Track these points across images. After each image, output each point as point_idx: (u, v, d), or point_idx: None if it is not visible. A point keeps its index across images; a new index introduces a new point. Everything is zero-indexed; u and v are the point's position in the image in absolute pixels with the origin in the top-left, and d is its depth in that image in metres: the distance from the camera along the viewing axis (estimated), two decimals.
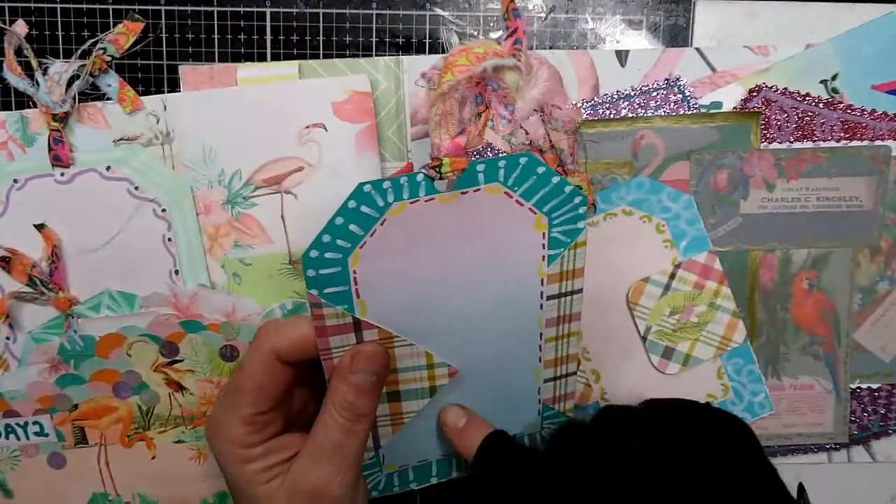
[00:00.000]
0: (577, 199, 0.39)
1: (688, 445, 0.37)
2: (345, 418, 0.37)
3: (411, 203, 0.36)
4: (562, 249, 0.40)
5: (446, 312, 0.40)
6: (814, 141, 0.49)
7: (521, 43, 0.38)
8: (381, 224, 0.36)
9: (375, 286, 0.38)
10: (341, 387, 0.37)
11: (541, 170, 0.37)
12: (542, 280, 0.41)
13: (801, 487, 0.40)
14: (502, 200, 0.38)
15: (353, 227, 0.36)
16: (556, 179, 0.38)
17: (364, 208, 0.36)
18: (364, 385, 0.37)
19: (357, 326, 0.38)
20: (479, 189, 0.37)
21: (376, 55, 0.49)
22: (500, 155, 0.37)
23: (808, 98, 0.49)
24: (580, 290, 0.42)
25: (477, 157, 0.48)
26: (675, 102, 0.49)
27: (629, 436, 0.38)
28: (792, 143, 0.49)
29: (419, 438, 0.44)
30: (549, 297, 0.41)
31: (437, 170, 0.35)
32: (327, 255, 0.36)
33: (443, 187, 0.37)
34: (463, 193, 0.37)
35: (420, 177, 0.36)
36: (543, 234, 0.40)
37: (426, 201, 0.37)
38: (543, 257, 0.40)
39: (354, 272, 0.37)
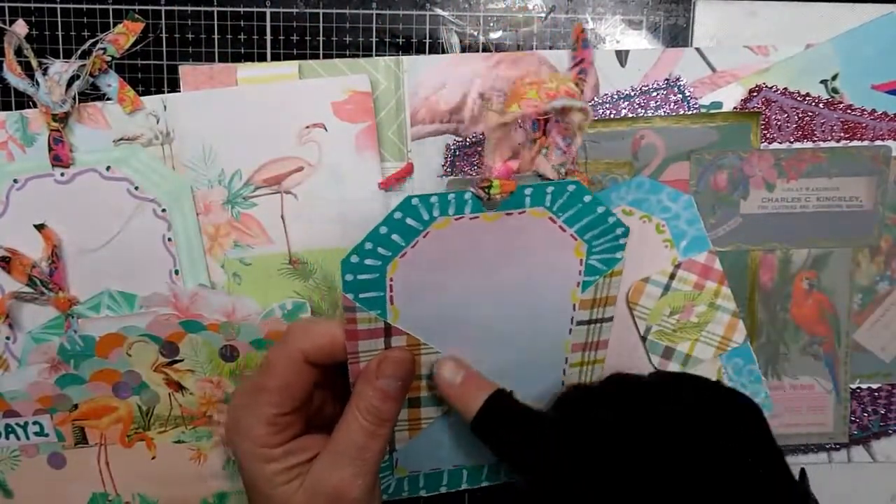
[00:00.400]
0: (620, 231, 0.39)
1: (692, 419, 0.37)
2: (369, 422, 0.37)
3: (456, 220, 0.37)
4: (597, 277, 0.41)
5: (475, 327, 0.40)
6: (814, 141, 0.49)
7: (585, 73, 0.39)
8: (424, 237, 0.37)
9: (410, 294, 0.38)
10: (367, 391, 0.37)
11: (587, 198, 0.38)
12: (575, 305, 0.41)
13: (802, 472, 0.39)
14: (545, 224, 0.38)
15: (395, 237, 0.36)
16: (601, 209, 0.38)
17: (409, 220, 0.36)
18: (390, 390, 0.37)
19: (387, 332, 0.38)
20: (523, 212, 0.38)
21: (376, 55, 0.49)
22: (549, 181, 0.38)
23: (808, 98, 0.49)
24: (611, 318, 0.43)
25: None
26: (675, 102, 0.49)
27: (634, 405, 0.38)
28: (792, 143, 0.49)
29: (434, 447, 0.44)
30: (578, 323, 0.42)
31: (487, 191, 0.36)
32: (367, 261, 0.36)
33: (489, 207, 0.37)
34: (508, 215, 0.37)
35: (468, 195, 0.36)
36: (581, 260, 0.40)
37: (471, 219, 0.37)
38: (578, 283, 0.41)
39: (391, 280, 0.38)
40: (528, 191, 0.37)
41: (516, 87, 0.36)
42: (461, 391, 0.40)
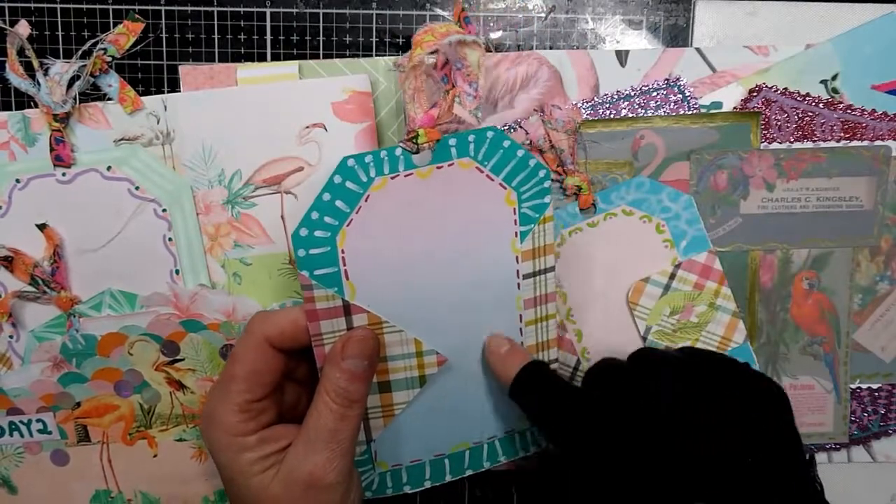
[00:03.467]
0: (542, 173, 0.41)
1: (718, 397, 0.37)
2: (338, 404, 0.37)
3: (392, 178, 0.38)
4: (532, 225, 0.42)
5: (431, 294, 0.41)
6: (814, 141, 0.49)
7: (469, 22, 0.42)
8: (366, 200, 0.38)
9: (363, 267, 0.39)
10: (334, 373, 0.38)
11: (507, 143, 0.39)
12: (517, 258, 0.42)
13: (811, 457, 0.40)
14: (474, 175, 0.40)
15: (339, 204, 0.38)
16: (520, 153, 0.40)
17: (349, 184, 0.38)
18: (356, 370, 0.38)
19: (347, 310, 0.39)
20: (452, 163, 0.39)
21: (376, 55, 0.49)
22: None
23: (808, 98, 0.49)
24: (552, 269, 0.43)
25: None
26: (675, 102, 0.49)
27: (662, 382, 0.38)
28: (792, 143, 0.49)
29: (411, 435, 0.44)
30: (525, 276, 0.43)
31: (414, 141, 0.38)
32: (317, 233, 0.38)
33: (420, 162, 0.38)
34: (438, 168, 0.39)
35: (398, 150, 0.38)
36: (514, 209, 0.41)
37: (405, 176, 0.39)
38: (516, 233, 0.42)
39: (343, 252, 0.39)
40: (451, 140, 0.38)
41: (415, 38, 0.38)
42: (505, 359, 0.42)
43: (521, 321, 0.43)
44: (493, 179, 0.40)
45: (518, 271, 0.42)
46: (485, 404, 0.45)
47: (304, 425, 0.38)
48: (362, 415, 0.39)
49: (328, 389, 0.37)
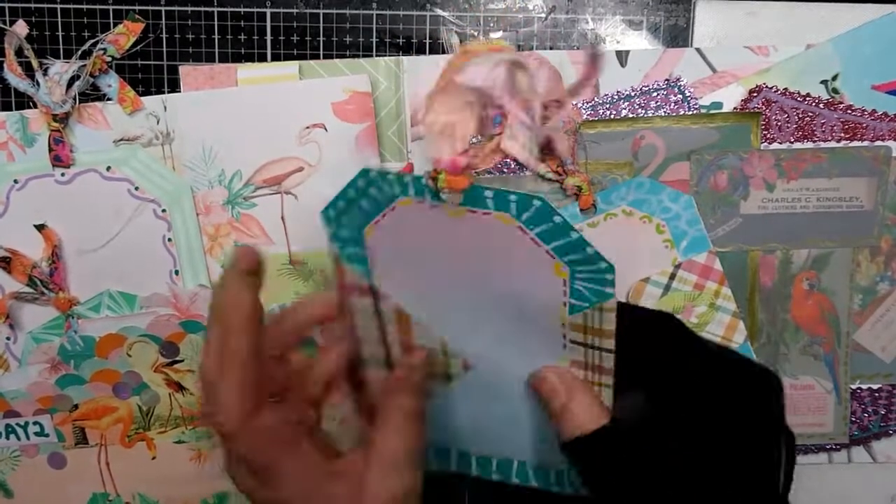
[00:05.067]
0: (604, 265, 0.35)
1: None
2: (403, 419, 0.36)
3: (418, 202, 0.35)
4: (586, 304, 0.36)
5: (456, 319, 0.39)
6: (814, 141, 0.49)
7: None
8: (392, 209, 0.35)
9: (389, 267, 0.37)
10: (403, 399, 0.37)
11: (557, 219, 0.34)
12: (564, 324, 0.38)
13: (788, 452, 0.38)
14: (514, 234, 0.35)
15: (364, 204, 0.35)
16: (574, 235, 0.34)
17: (372, 190, 0.35)
18: (418, 386, 0.37)
19: (374, 294, 0.37)
20: (489, 213, 0.35)
21: (376, 55, 0.49)
22: (511, 190, 0.35)
23: (808, 98, 0.49)
24: (611, 351, 0.38)
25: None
26: (676, 103, 0.49)
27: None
28: (792, 143, 0.49)
29: (438, 428, 0.42)
30: (573, 342, 0.38)
31: (435, 182, 0.33)
32: (344, 219, 0.36)
33: (449, 200, 0.34)
34: (472, 213, 0.35)
35: (408, 178, 0.34)
36: (565, 281, 0.36)
37: (432, 206, 0.35)
38: (565, 304, 0.37)
39: (369, 248, 0.36)
40: (488, 193, 0.34)
41: (449, 60, 0.34)
42: (568, 406, 0.37)
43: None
44: (539, 245, 0.35)
45: (565, 335, 0.38)
46: (515, 430, 0.42)
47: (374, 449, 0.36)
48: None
49: (391, 405, 0.36)
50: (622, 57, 0.49)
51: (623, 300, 0.49)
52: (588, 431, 0.35)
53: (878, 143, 0.49)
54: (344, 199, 0.35)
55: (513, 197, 0.34)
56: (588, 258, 0.35)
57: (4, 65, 0.47)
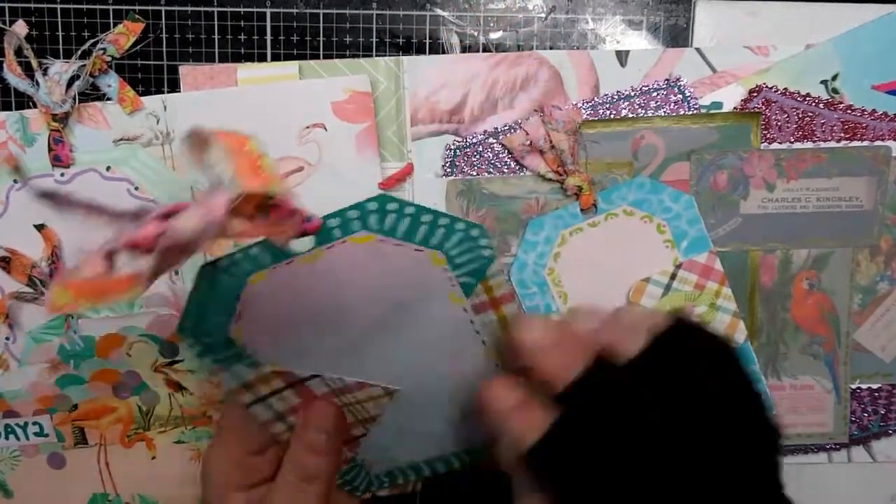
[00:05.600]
0: (472, 229, 0.34)
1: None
2: (295, 477, 0.35)
3: (271, 268, 0.34)
4: (472, 279, 0.36)
5: (368, 354, 0.37)
6: (814, 141, 0.49)
7: None
8: (245, 295, 0.34)
9: (276, 352, 0.35)
10: (294, 445, 0.36)
11: (409, 210, 0.33)
12: (466, 310, 0.36)
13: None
14: (378, 247, 0.34)
15: (216, 303, 0.34)
16: (427, 216, 0.34)
17: (219, 288, 0.34)
18: (315, 444, 0.36)
19: (261, 382, 0.36)
20: (344, 241, 0.34)
21: (376, 55, 0.49)
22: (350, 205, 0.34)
23: (808, 98, 0.49)
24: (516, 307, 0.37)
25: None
26: (676, 103, 0.49)
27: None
28: (792, 143, 0.49)
29: (390, 448, 0.41)
30: (485, 323, 0.37)
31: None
32: (204, 328, 0.34)
33: (300, 247, 0.33)
34: (329, 249, 0.34)
35: (255, 250, 0.33)
36: (444, 268, 0.35)
37: (287, 265, 0.34)
38: (454, 286, 0.36)
39: (245, 345, 0.35)
40: (331, 221, 0.33)
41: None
42: (511, 415, 0.32)
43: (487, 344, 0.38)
44: (402, 244, 0.34)
45: (473, 321, 0.37)
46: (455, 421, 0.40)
47: (267, 500, 0.36)
48: (326, 494, 0.36)
49: (288, 460, 0.36)
50: (622, 57, 0.49)
51: (624, 300, 0.49)
52: (529, 444, 0.31)
53: (878, 143, 0.49)
54: (196, 307, 0.34)
55: (352, 213, 0.33)
56: (454, 229, 0.34)
57: (4, 65, 0.47)
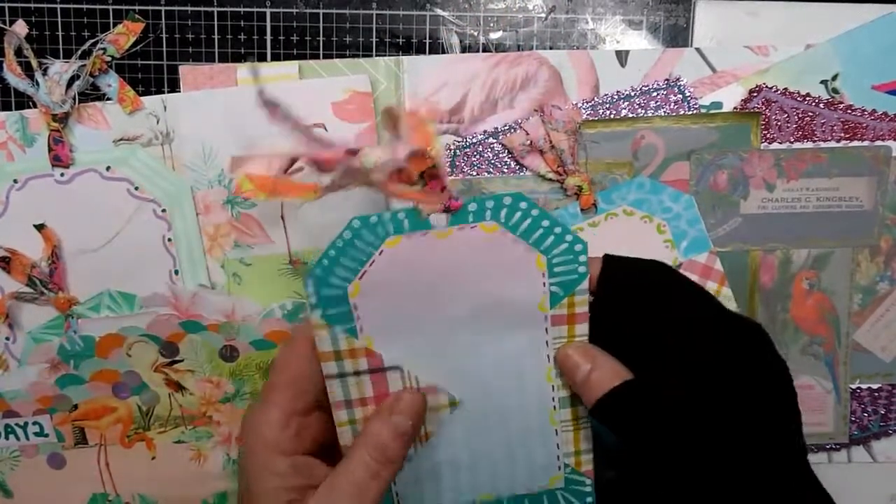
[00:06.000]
0: (576, 243, 0.38)
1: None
2: (374, 459, 0.35)
3: (407, 237, 0.37)
4: (561, 291, 0.39)
5: (449, 351, 0.39)
6: (814, 141, 0.49)
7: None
8: (380, 254, 0.37)
9: (377, 321, 0.38)
10: (379, 427, 0.36)
11: (535, 212, 0.37)
12: (546, 317, 0.39)
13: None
14: (499, 238, 0.37)
15: (350, 258, 0.36)
16: (547, 222, 0.37)
17: (358, 242, 0.36)
18: (401, 428, 0.36)
19: (359, 354, 0.38)
20: (475, 226, 0.37)
21: (376, 55, 0.49)
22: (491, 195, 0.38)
23: (808, 98, 0.49)
24: (585, 335, 0.40)
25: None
26: (676, 102, 0.49)
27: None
28: (792, 143, 0.49)
29: (433, 483, 0.41)
30: (556, 338, 0.40)
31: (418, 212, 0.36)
32: (331, 279, 0.36)
33: (436, 223, 0.37)
34: (460, 229, 0.37)
35: (401, 214, 0.36)
36: (543, 273, 0.39)
37: (422, 235, 0.37)
38: (545, 294, 0.39)
39: (355, 307, 0.37)
40: (470, 206, 0.36)
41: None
42: (589, 377, 0.38)
43: (554, 375, 0.41)
44: (519, 242, 0.38)
45: (547, 329, 0.40)
46: (510, 455, 0.41)
47: (333, 472, 0.35)
48: (393, 478, 0.36)
49: (368, 443, 0.35)
50: (622, 57, 0.49)
51: None
52: (611, 389, 0.36)
53: (878, 143, 0.49)
54: (331, 259, 0.36)
55: (489, 203, 0.36)
56: (562, 238, 0.38)
57: (4, 65, 0.47)
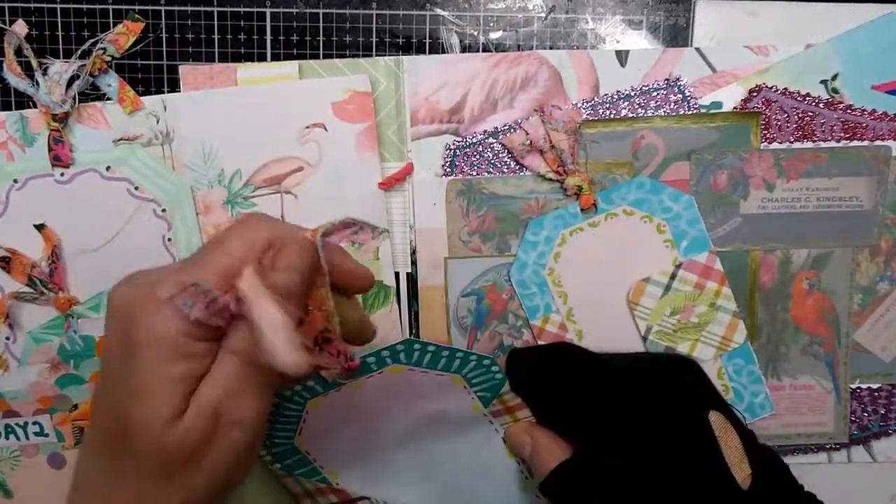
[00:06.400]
0: (484, 359, 0.41)
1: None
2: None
3: (324, 396, 0.42)
4: (490, 395, 0.43)
5: (408, 468, 0.45)
6: (814, 141, 0.49)
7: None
8: (307, 413, 0.42)
9: (333, 457, 0.44)
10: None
11: (431, 348, 0.40)
12: (485, 413, 0.44)
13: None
14: (406, 375, 0.41)
15: (283, 419, 0.42)
16: (446, 352, 0.40)
17: (283, 410, 0.41)
18: (284, 284, 0.30)
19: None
20: (381, 371, 0.40)
21: (376, 55, 0.49)
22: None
23: (808, 98, 0.49)
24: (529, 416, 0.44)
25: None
26: (675, 102, 0.49)
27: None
28: (792, 143, 0.49)
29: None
30: (502, 424, 0.44)
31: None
32: (276, 440, 0.42)
33: (345, 379, 0.40)
34: (368, 378, 0.40)
35: (311, 382, 0.40)
36: (464, 386, 0.42)
37: (336, 391, 0.41)
38: (473, 399, 0.43)
39: (308, 452, 0.44)
40: (369, 359, 0.39)
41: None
42: (534, 455, 0.41)
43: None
44: (428, 372, 0.41)
45: (490, 420, 0.44)
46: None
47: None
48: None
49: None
50: (622, 57, 0.49)
51: (624, 300, 0.49)
52: (551, 469, 0.38)
53: (878, 143, 0.49)
54: (270, 433, 0.42)
55: (385, 353, 0.39)
56: (468, 359, 0.41)
57: (4, 65, 0.47)
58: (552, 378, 0.41)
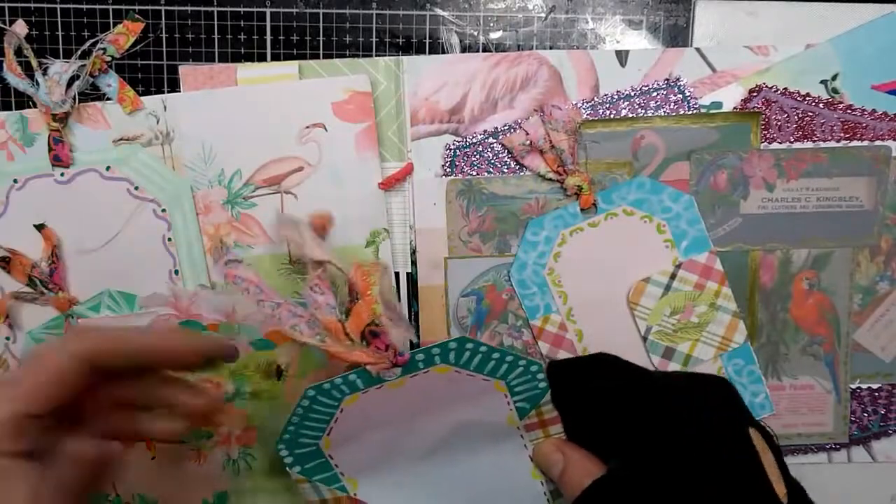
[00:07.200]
0: (532, 365, 0.41)
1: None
2: None
3: (363, 393, 0.41)
4: (527, 405, 0.43)
5: (433, 479, 0.44)
6: (814, 141, 0.49)
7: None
8: (341, 412, 0.41)
9: (356, 465, 0.43)
10: None
11: (483, 349, 0.40)
12: (519, 426, 0.44)
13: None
14: (453, 377, 0.41)
15: (314, 420, 0.41)
16: (496, 354, 0.41)
17: (317, 407, 0.40)
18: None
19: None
20: (427, 371, 0.40)
21: (376, 55, 0.49)
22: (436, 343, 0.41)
23: (808, 98, 0.49)
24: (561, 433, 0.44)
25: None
26: (675, 102, 0.49)
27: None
28: (792, 143, 0.49)
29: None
30: (533, 441, 0.44)
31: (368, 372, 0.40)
32: (301, 440, 0.41)
33: (391, 377, 0.40)
34: (412, 377, 0.41)
35: (353, 376, 0.39)
36: (505, 394, 0.42)
37: (376, 389, 0.41)
38: (511, 410, 0.43)
39: (331, 456, 0.43)
40: (418, 356, 0.40)
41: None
42: (563, 475, 0.40)
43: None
44: (474, 376, 0.41)
45: (522, 436, 0.44)
46: None
47: None
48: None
49: None
50: (622, 57, 0.49)
51: (624, 300, 0.49)
52: (585, 487, 0.38)
53: (878, 143, 0.49)
54: (295, 425, 0.41)
55: (435, 350, 0.40)
56: (517, 364, 0.41)
57: (4, 65, 0.47)
58: (596, 389, 0.40)
